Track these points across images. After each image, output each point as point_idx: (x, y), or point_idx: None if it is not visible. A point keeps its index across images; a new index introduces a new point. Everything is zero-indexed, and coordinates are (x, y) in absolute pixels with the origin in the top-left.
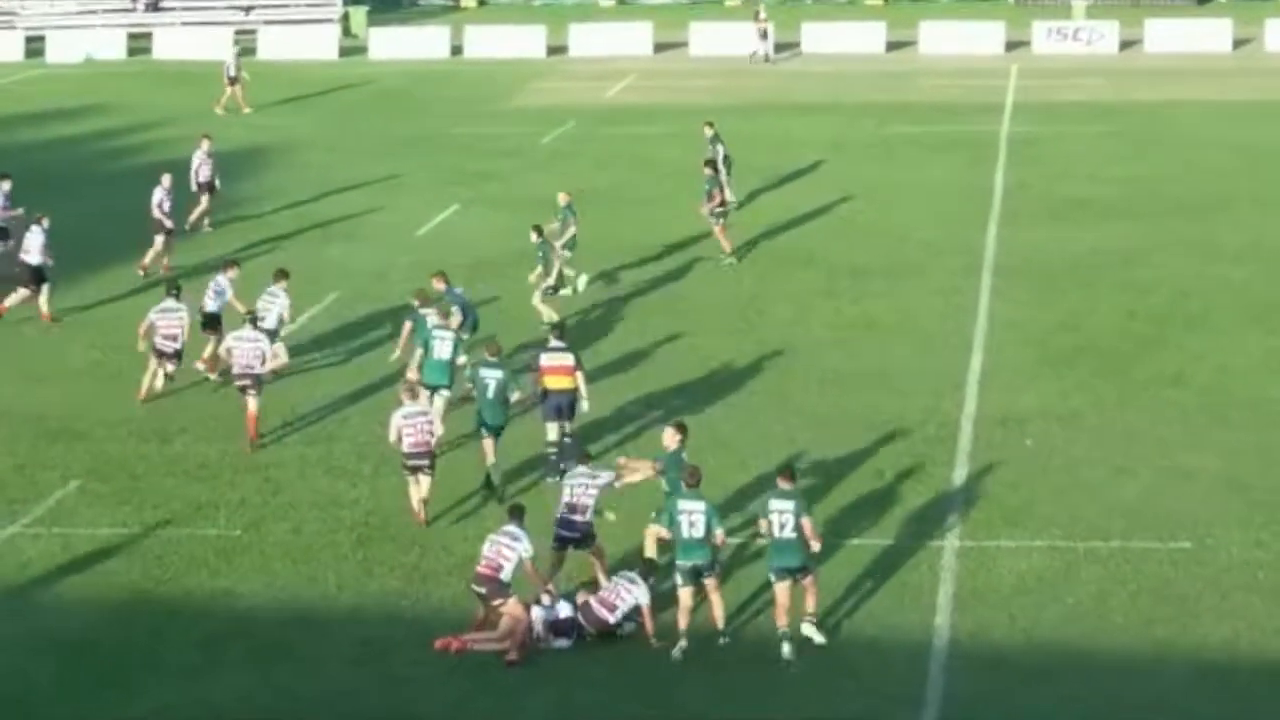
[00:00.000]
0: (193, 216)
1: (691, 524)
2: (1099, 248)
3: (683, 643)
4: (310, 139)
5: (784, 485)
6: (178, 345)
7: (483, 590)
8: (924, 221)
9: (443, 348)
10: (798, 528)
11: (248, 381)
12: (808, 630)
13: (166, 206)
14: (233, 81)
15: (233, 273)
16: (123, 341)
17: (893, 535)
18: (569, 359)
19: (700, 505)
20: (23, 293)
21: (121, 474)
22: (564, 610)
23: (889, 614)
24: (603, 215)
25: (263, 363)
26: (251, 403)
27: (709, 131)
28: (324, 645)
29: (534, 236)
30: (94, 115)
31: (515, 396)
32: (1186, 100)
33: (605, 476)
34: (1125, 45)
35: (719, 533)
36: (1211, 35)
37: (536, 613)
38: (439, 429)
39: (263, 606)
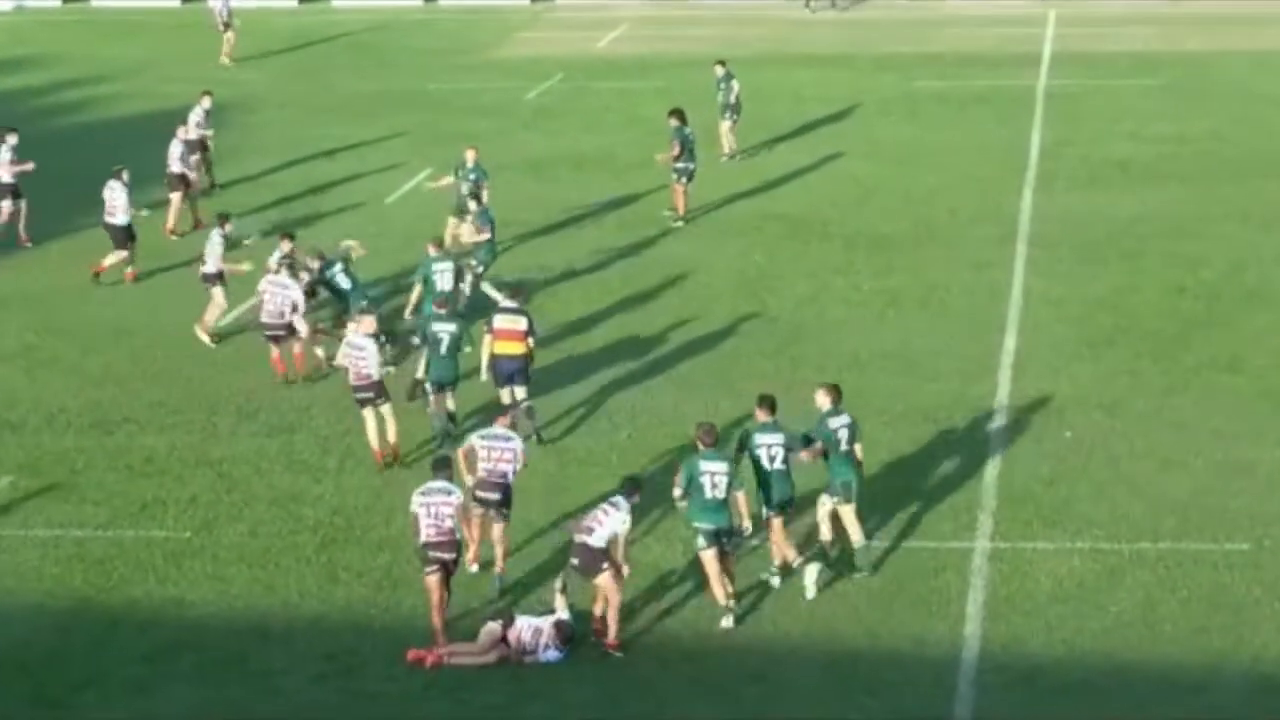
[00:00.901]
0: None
1: (714, 485)
2: (1145, 215)
3: (731, 612)
4: (268, 96)
5: (765, 418)
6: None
7: (453, 556)
8: (952, 186)
9: (444, 280)
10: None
11: (280, 331)
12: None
13: (191, 160)
14: (227, 26)
15: (228, 227)
16: (60, 323)
17: (917, 536)
18: (522, 322)
19: (723, 466)
20: (121, 254)
21: (59, 469)
22: (563, 613)
23: (913, 624)
24: (594, 179)
25: (294, 310)
26: (294, 349)
27: (720, 71)
28: (284, 659)
29: (472, 204)
30: (27, 69)
31: (467, 350)
32: (1243, 50)
33: (518, 441)
34: None
35: (740, 495)
36: None
37: (522, 621)
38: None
39: (216, 616)
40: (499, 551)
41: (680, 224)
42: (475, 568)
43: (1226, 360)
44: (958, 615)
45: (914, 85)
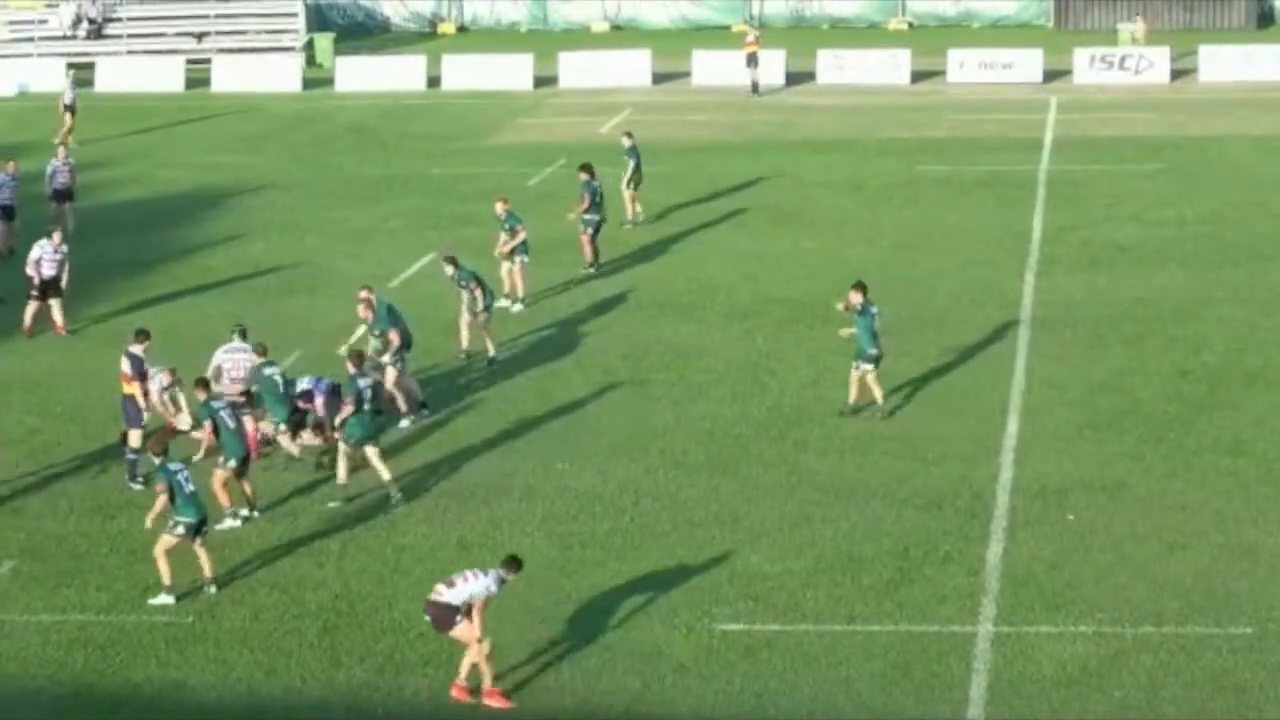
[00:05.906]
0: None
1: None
2: (1147, 298)
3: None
4: (269, 180)
5: None
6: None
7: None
8: (954, 270)
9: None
10: None
11: (241, 400)
12: None
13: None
14: (69, 110)
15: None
16: (62, 406)
17: (920, 620)
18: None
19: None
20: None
21: (61, 554)
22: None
23: (915, 709)
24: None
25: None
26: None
27: (627, 142)
28: None
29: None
30: (30, 154)
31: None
32: (1244, 135)
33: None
34: (1177, 74)
35: None
36: (1273, 62)
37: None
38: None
39: (218, 700)
40: None
41: (592, 270)
42: None
43: (1229, 443)
44: (961, 700)
45: (916, 170)
